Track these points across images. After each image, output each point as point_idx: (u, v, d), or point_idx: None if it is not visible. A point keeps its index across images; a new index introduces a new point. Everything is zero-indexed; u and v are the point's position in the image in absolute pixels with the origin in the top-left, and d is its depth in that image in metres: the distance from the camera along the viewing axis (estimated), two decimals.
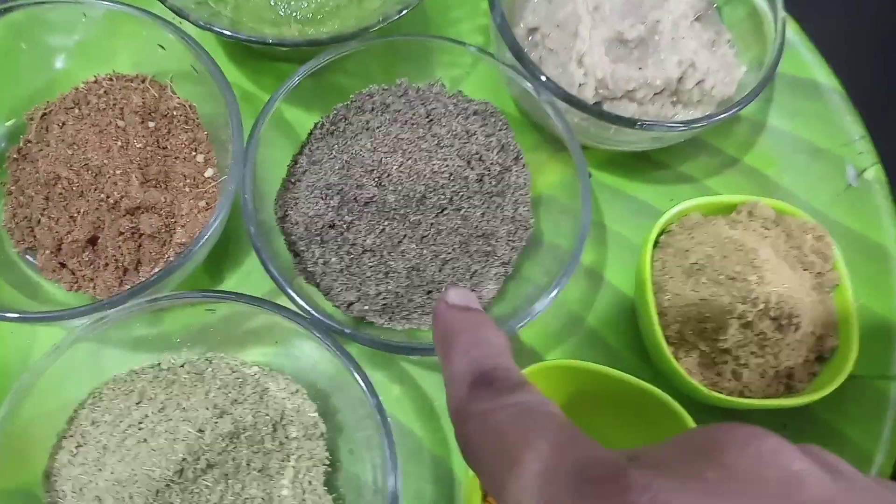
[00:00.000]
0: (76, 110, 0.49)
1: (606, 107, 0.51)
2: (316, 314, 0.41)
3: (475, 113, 0.50)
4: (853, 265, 0.51)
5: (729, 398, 0.45)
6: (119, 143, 0.47)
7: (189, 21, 0.45)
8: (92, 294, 0.46)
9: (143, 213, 0.46)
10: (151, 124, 0.48)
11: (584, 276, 0.53)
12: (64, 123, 0.48)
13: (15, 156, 0.49)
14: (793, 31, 0.60)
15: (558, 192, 0.51)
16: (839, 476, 0.20)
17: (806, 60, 0.60)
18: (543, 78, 0.48)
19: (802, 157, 0.58)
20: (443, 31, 0.59)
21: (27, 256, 0.48)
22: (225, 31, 0.45)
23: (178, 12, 0.45)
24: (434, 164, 0.46)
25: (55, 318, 0.40)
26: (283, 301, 0.46)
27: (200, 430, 0.40)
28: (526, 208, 0.50)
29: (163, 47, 0.48)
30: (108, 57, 0.51)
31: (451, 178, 0.46)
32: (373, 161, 0.45)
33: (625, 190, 0.56)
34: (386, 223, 0.46)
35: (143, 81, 0.50)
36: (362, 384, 0.40)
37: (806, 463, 0.20)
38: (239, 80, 0.55)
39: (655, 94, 0.51)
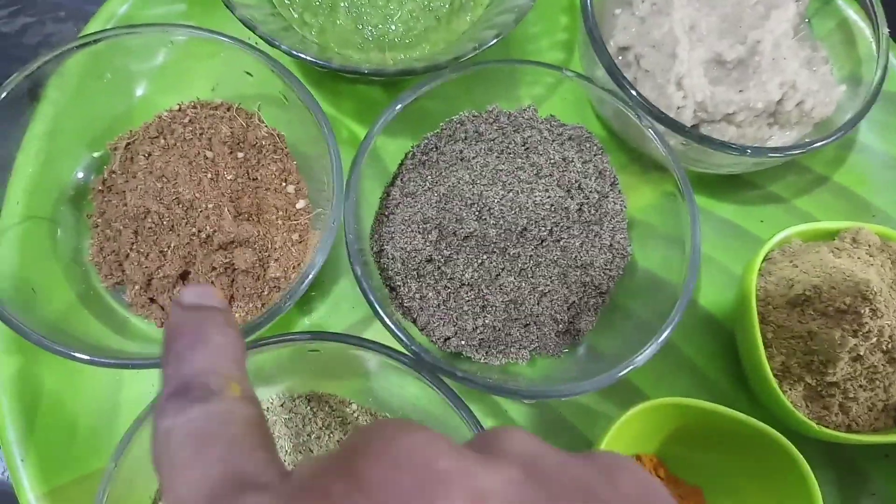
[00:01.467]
0: (161, 140, 0.48)
1: (704, 129, 0.50)
2: (420, 352, 0.40)
3: (570, 138, 0.48)
4: None
5: (837, 433, 0.44)
6: (209, 175, 0.46)
7: (280, 49, 0.44)
8: None
9: (236, 247, 0.45)
10: (241, 154, 0.47)
11: None
12: (150, 154, 0.47)
13: (100, 188, 0.48)
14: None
15: (650, 215, 0.50)
16: (527, 468, 0.18)
17: None
18: (641, 100, 0.46)
19: (894, 176, 0.56)
20: (522, 47, 0.57)
21: (116, 291, 0.47)
22: (316, 60, 0.44)
23: (269, 41, 0.44)
24: (536, 196, 0.44)
25: (138, 365, 0.40)
26: (372, 332, 0.45)
27: None
28: (623, 236, 0.48)
29: (250, 74, 0.47)
30: (189, 84, 0.50)
31: (553, 208, 0.45)
32: (473, 194, 0.44)
33: (714, 211, 0.55)
34: (485, 257, 0.45)
35: (228, 109, 0.49)
36: (466, 419, 0.39)
37: (456, 461, 0.17)
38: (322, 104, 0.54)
39: (755, 116, 0.49)
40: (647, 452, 0.47)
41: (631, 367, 0.42)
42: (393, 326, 0.40)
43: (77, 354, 0.39)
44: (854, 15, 0.54)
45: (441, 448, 0.18)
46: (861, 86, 0.52)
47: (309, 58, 0.44)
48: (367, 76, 0.44)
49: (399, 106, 0.45)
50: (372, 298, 0.41)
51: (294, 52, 0.44)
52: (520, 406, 0.48)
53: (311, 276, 0.41)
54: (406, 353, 0.41)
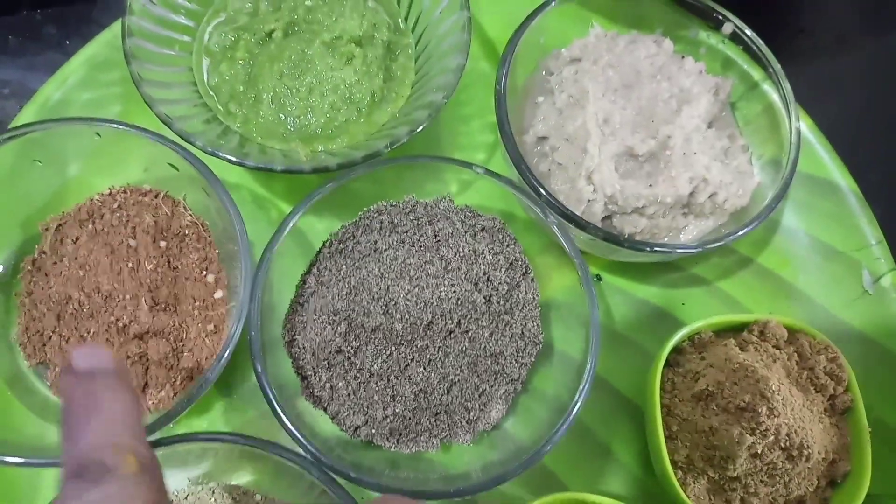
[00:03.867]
0: (90, 225, 0.49)
1: (616, 220, 0.51)
2: (317, 453, 0.41)
3: (483, 230, 0.50)
4: (867, 374, 0.50)
5: None
6: (130, 265, 0.47)
7: (196, 147, 0.45)
8: None
9: (151, 337, 0.46)
10: (163, 243, 0.49)
11: (595, 386, 0.53)
12: (77, 238, 0.49)
13: (29, 267, 0.50)
14: (808, 128, 0.59)
15: (569, 296, 0.51)
16: None
17: (822, 159, 0.59)
18: (547, 196, 0.48)
19: (818, 259, 0.57)
20: (453, 129, 0.59)
21: (39, 370, 0.48)
22: (230, 158, 0.45)
23: (184, 138, 0.45)
24: (441, 291, 0.46)
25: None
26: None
27: None
28: (535, 323, 0.50)
29: (175, 168, 0.48)
30: (122, 168, 0.51)
31: (459, 302, 0.46)
32: (380, 289, 0.46)
33: (636, 293, 0.56)
34: (393, 348, 0.46)
35: (156, 196, 0.50)
36: None
37: None
38: (250, 183, 0.56)
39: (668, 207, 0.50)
40: None
41: (547, 447, 0.43)
42: (291, 427, 0.42)
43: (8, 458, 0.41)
44: (778, 101, 0.56)
45: None
46: (781, 169, 0.53)
47: (223, 155, 0.45)
48: (280, 172, 0.46)
49: (313, 197, 0.47)
50: (271, 398, 0.42)
51: (209, 150, 0.45)
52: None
53: (217, 368, 0.42)
54: (307, 458, 0.42)
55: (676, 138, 0.50)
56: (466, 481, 0.45)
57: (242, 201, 0.54)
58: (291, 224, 0.46)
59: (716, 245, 0.49)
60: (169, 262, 0.48)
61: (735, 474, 0.45)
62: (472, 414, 0.48)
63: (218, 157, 0.46)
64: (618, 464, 0.51)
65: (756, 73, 0.57)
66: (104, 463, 0.24)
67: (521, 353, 0.49)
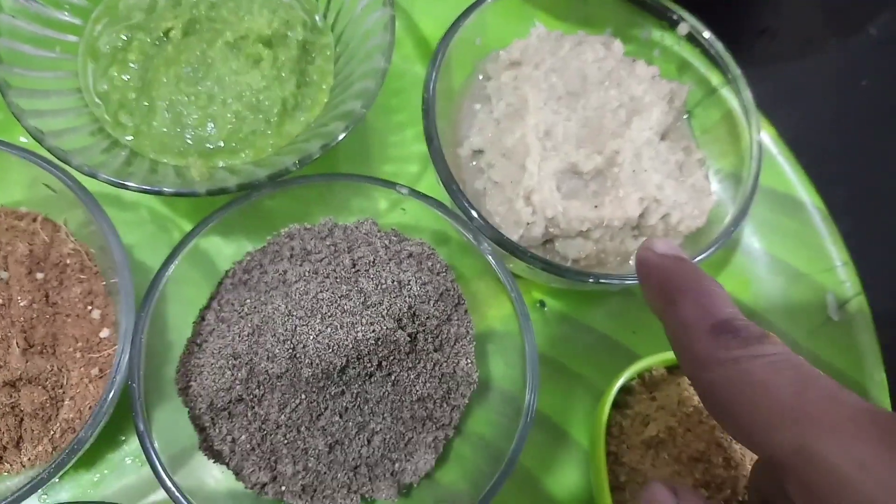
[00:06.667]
0: None
1: (559, 244, 0.46)
2: None
3: (410, 256, 0.44)
4: None
5: None
6: (0, 302, 0.41)
7: (72, 167, 0.39)
8: None
9: (24, 385, 0.40)
10: (40, 275, 0.42)
11: (540, 427, 0.48)
12: None
13: None
14: (770, 139, 0.54)
15: (509, 326, 0.45)
16: None
17: (785, 172, 0.54)
18: (480, 220, 0.42)
19: (780, 281, 0.52)
20: (383, 139, 0.53)
21: None
22: (112, 179, 0.39)
23: (59, 156, 0.39)
24: (359, 331, 0.40)
25: None
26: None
27: None
28: (468, 361, 0.44)
29: (52, 189, 0.42)
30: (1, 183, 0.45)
31: (380, 343, 0.41)
32: (286, 329, 0.40)
33: (583, 320, 0.51)
34: (303, 396, 0.40)
35: (34, 220, 0.44)
36: None
37: None
38: (150, 201, 0.49)
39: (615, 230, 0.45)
40: None
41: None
42: (177, 494, 0.36)
43: None
44: (738, 107, 0.51)
45: None
46: (741, 184, 0.49)
47: (103, 177, 0.39)
48: (170, 195, 0.40)
49: (214, 218, 0.41)
50: (155, 461, 0.36)
51: (86, 170, 0.39)
52: None
53: (100, 421, 0.37)
54: None
55: (626, 153, 0.45)
56: None
57: (141, 222, 0.48)
58: (186, 249, 0.40)
59: None
60: (47, 296, 0.42)
61: None
62: (396, 465, 0.42)
63: (97, 178, 0.39)
64: None
65: (714, 78, 0.52)
66: (752, 327, 0.24)
67: (452, 395, 0.44)
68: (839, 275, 0.52)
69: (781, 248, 0.53)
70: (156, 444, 0.37)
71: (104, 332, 0.42)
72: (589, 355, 0.50)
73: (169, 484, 0.36)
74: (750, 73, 0.50)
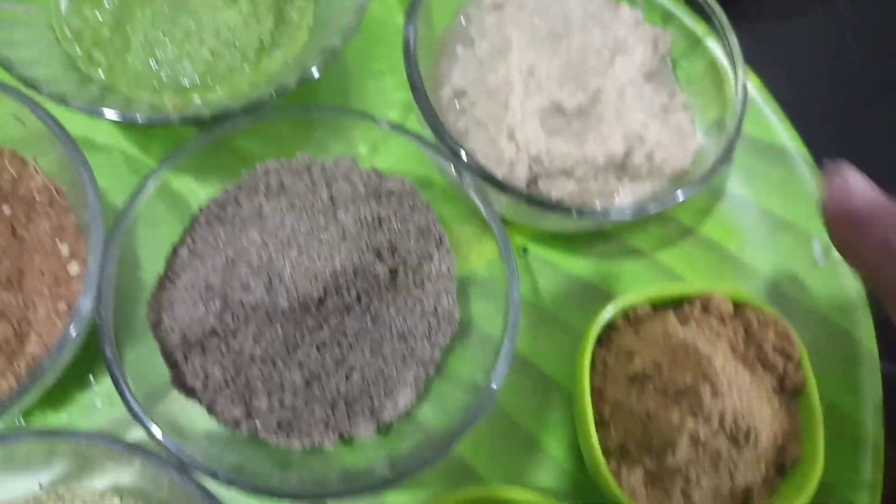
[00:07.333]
0: None
1: (542, 184, 0.45)
2: (186, 459, 0.35)
3: (390, 193, 0.43)
4: (818, 354, 0.45)
5: None
6: None
7: (41, 94, 0.38)
8: None
9: None
10: (7, 209, 0.41)
11: (519, 369, 0.47)
12: None
13: None
14: (755, 89, 0.54)
15: (491, 271, 0.45)
16: None
17: (769, 120, 0.54)
18: (465, 156, 0.42)
19: (765, 229, 0.52)
20: (362, 85, 0.52)
21: None
22: (83, 106, 0.38)
23: (29, 83, 0.38)
24: (336, 262, 0.39)
25: None
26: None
27: None
28: (450, 299, 0.43)
29: (21, 121, 0.41)
30: None
31: (358, 274, 0.40)
32: (262, 259, 0.39)
33: (566, 267, 0.50)
34: (279, 328, 0.39)
35: (1, 156, 0.43)
36: None
37: None
38: (122, 144, 0.48)
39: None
40: None
41: (461, 434, 0.37)
42: (145, 420, 0.35)
43: None
44: (724, 58, 0.50)
45: None
46: (726, 128, 0.48)
47: (73, 103, 0.38)
48: (145, 125, 0.39)
49: (189, 149, 0.40)
50: (124, 389, 0.35)
51: (56, 97, 0.38)
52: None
53: (61, 353, 0.35)
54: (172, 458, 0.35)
55: (609, 91, 0.44)
56: (370, 477, 0.38)
57: (114, 164, 0.47)
58: (156, 181, 0.39)
59: (653, 211, 0.43)
60: (14, 230, 0.41)
61: (675, 464, 0.40)
62: (376, 402, 0.41)
63: (68, 105, 0.38)
64: (545, 455, 0.45)
65: (699, 28, 0.52)
66: None
67: (433, 333, 0.43)
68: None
69: (766, 196, 0.52)
70: (129, 381, 0.36)
71: (73, 268, 0.41)
72: (571, 300, 0.49)
73: (137, 410, 0.35)
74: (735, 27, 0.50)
